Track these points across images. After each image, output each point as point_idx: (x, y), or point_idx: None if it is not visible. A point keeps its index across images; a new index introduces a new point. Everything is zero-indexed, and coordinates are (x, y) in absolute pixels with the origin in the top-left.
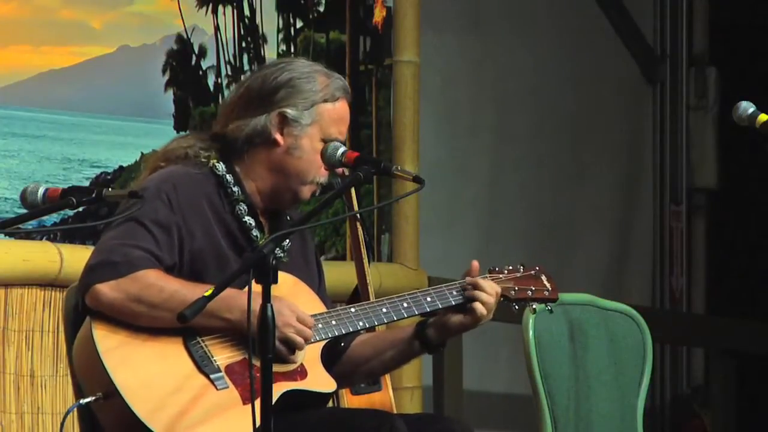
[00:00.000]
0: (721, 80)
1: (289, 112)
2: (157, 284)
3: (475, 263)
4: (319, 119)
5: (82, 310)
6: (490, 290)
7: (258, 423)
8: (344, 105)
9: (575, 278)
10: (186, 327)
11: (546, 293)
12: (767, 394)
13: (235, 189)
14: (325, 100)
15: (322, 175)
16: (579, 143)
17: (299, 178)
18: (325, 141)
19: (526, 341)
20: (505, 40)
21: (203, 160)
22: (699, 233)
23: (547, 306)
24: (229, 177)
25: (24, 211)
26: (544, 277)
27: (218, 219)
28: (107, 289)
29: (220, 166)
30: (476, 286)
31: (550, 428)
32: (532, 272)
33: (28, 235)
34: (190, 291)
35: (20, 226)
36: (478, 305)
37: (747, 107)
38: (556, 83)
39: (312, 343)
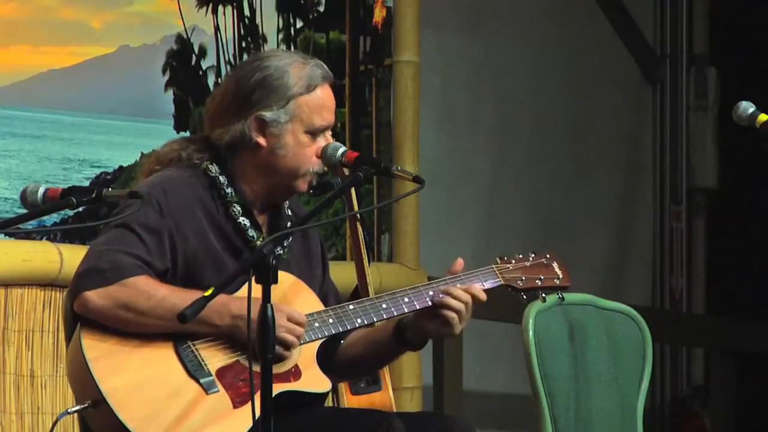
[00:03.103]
0: (721, 80)
1: (266, 114)
2: (146, 291)
3: (460, 261)
4: (299, 113)
5: (73, 317)
6: (463, 297)
7: (255, 426)
8: (324, 91)
9: (575, 278)
10: (177, 332)
11: (556, 281)
12: (767, 394)
13: (229, 190)
14: (301, 93)
15: (314, 165)
16: (579, 143)
17: (291, 173)
18: (310, 132)
19: (526, 341)
20: (505, 40)
21: (197, 161)
22: (699, 233)
23: (558, 294)
24: (222, 179)
25: (24, 211)
26: (555, 264)
27: (211, 221)
28: (95, 297)
29: (214, 168)
30: (447, 292)
31: (550, 428)
32: (543, 260)
33: (28, 235)
34: (178, 297)
35: (20, 226)
36: (449, 314)
37: (747, 107)
38: (556, 83)
39: (307, 342)
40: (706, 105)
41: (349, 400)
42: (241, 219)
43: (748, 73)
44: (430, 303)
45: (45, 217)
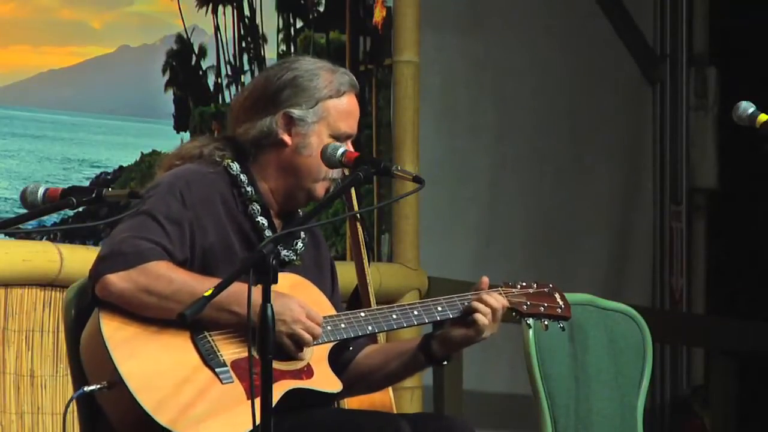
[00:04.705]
0: (721, 80)
1: (294, 111)
2: (167, 275)
3: (485, 278)
4: (326, 116)
5: (91, 300)
6: (494, 303)
7: (259, 420)
8: (351, 99)
9: (575, 278)
10: (194, 321)
11: (559, 310)
12: (767, 394)
13: (249, 189)
14: (330, 97)
15: (334, 171)
16: (579, 143)
17: (311, 176)
18: (334, 137)
19: (526, 341)
20: (505, 40)
21: (218, 159)
22: (699, 233)
23: (559, 323)
24: (243, 177)
25: (24, 211)
26: (557, 295)
27: (231, 217)
28: (117, 279)
29: (235, 166)
30: (480, 299)
31: (550, 428)
32: (546, 289)
33: (28, 235)
34: (199, 283)
35: (20, 226)
36: (479, 316)
37: (747, 107)
38: (556, 83)
39: (320, 344)
40: (706, 105)
41: (350, 401)
42: (259, 218)
43: (748, 73)
44: (458, 314)
45: (45, 217)
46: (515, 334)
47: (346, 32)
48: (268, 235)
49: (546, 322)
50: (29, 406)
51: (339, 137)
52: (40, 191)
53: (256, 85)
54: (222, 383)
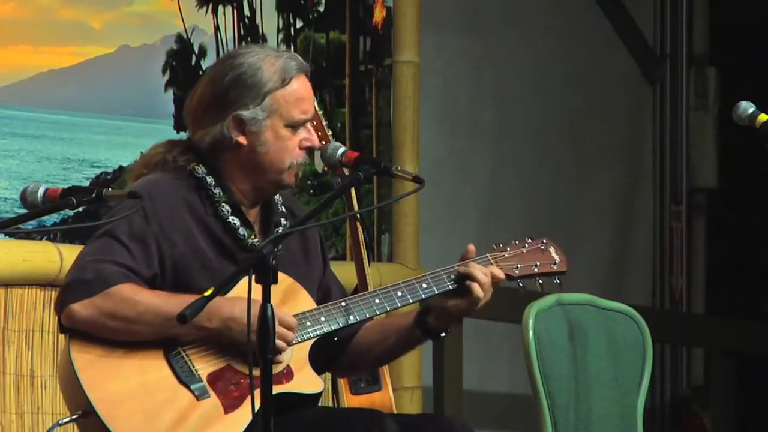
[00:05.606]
0: (721, 80)
1: (243, 113)
2: (132, 298)
3: (471, 246)
4: (276, 107)
5: (61, 329)
6: (480, 275)
7: (253, 426)
8: (300, 82)
9: (575, 278)
10: (167, 338)
11: (553, 266)
12: (767, 394)
13: (217, 191)
14: (277, 88)
15: (297, 157)
16: (579, 143)
17: (274, 168)
18: (290, 126)
19: (526, 341)
20: (505, 40)
21: (182, 163)
22: (699, 233)
23: (555, 279)
24: (209, 179)
25: (24, 211)
26: (552, 249)
27: (199, 223)
28: (80, 308)
29: (201, 169)
30: (467, 269)
31: (550, 428)
32: (540, 245)
33: (28, 235)
34: (165, 303)
35: (20, 226)
36: (474, 285)
37: (747, 107)
38: (556, 83)
39: (300, 342)
40: (706, 105)
41: (350, 400)
42: (230, 218)
43: (748, 73)
44: (445, 288)
45: (45, 217)
46: (515, 334)
47: (346, 32)
48: (242, 233)
49: (540, 281)
50: (29, 406)
51: (295, 125)
52: (40, 191)
53: (204, 89)
54: (199, 400)
